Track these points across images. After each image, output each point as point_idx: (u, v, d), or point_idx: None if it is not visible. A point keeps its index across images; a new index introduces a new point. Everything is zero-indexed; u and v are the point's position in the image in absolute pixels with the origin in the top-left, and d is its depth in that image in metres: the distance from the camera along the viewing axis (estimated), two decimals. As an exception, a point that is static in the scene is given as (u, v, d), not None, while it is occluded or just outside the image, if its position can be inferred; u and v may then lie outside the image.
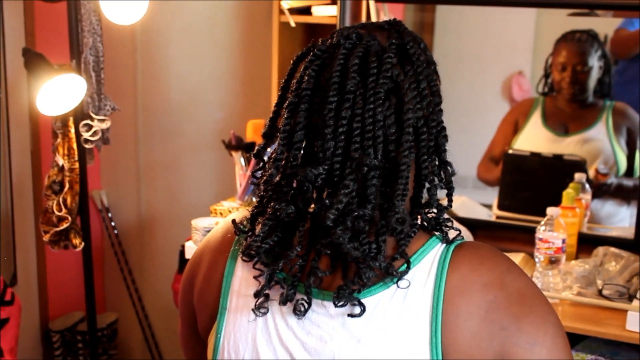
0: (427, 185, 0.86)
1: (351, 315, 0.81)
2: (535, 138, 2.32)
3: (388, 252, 0.83)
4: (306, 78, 0.84)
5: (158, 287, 3.01)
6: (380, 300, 0.82)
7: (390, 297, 0.82)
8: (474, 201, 2.37)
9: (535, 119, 2.35)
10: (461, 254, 0.84)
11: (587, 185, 2.12)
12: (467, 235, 2.10)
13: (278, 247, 0.85)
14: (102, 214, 3.00)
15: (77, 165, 2.15)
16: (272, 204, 0.86)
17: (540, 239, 1.83)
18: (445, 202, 0.89)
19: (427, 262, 0.83)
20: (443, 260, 0.83)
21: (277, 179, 0.85)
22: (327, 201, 0.80)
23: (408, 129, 0.81)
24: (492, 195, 2.45)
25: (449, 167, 0.87)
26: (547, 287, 1.80)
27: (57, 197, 2.14)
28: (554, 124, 2.31)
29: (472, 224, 2.17)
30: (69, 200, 2.14)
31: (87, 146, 2.18)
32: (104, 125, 2.18)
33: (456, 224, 2.04)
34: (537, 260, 1.86)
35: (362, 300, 0.81)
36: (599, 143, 2.23)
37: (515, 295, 0.81)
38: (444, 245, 0.85)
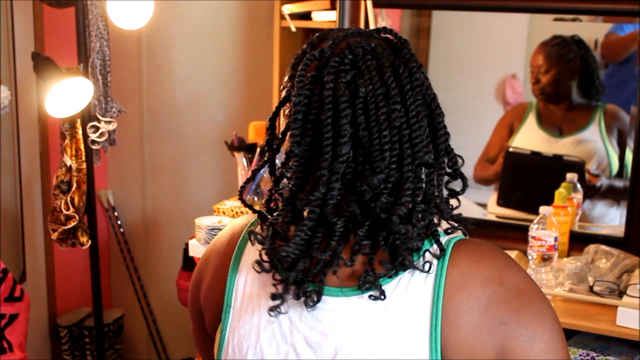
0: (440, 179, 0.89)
1: (372, 297, 0.82)
2: (531, 139, 2.33)
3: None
4: (340, 90, 0.82)
5: (163, 283, 3.01)
6: (381, 291, 0.82)
7: (391, 291, 0.82)
8: (468, 200, 2.37)
9: (531, 121, 2.35)
10: (461, 250, 0.84)
11: (578, 185, 2.12)
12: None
13: (299, 252, 0.84)
14: (108, 213, 3.00)
15: (84, 165, 2.15)
16: (310, 217, 0.83)
17: (533, 237, 1.83)
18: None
19: (428, 257, 0.84)
20: (443, 256, 0.83)
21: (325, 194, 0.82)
22: (391, 199, 0.81)
23: (441, 131, 0.87)
24: (486, 195, 2.45)
25: (459, 158, 0.90)
26: (539, 284, 1.80)
27: (65, 197, 2.14)
28: (549, 125, 2.31)
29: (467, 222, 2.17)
30: (76, 200, 2.14)
31: (94, 147, 2.18)
32: (111, 127, 2.18)
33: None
34: (530, 257, 1.86)
35: (363, 295, 0.82)
36: (593, 144, 2.23)
37: (514, 290, 0.81)
38: (444, 240, 0.86)
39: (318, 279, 0.83)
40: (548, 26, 2.30)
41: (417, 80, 0.84)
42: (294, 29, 2.32)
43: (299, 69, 0.85)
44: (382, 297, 0.81)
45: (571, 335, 1.71)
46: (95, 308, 2.32)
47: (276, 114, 0.90)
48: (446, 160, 0.88)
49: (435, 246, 0.84)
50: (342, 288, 0.84)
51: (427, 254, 0.84)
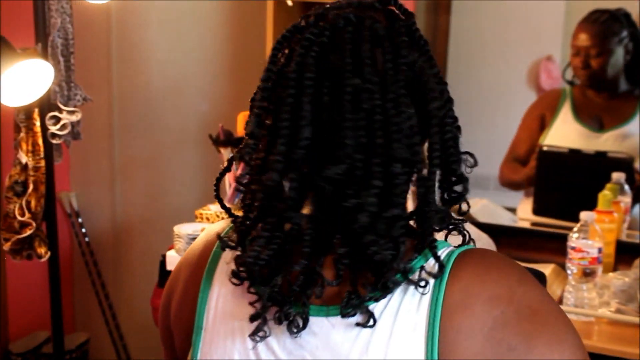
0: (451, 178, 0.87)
1: (360, 325, 0.81)
2: (566, 134, 2.32)
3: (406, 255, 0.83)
4: (307, 65, 0.82)
5: (135, 303, 3.00)
6: (370, 316, 0.81)
7: (380, 312, 0.81)
8: (496, 204, 2.36)
9: (565, 112, 2.34)
10: (464, 262, 0.83)
11: (626, 186, 2.12)
12: (488, 244, 2.09)
13: (273, 261, 0.84)
14: (71, 219, 2.99)
15: (42, 163, 2.14)
16: (270, 212, 0.84)
17: (573, 248, 1.82)
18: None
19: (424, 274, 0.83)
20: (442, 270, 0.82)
21: (276, 183, 0.83)
22: (353, 201, 0.80)
23: (434, 120, 0.82)
24: (516, 198, 2.45)
25: (469, 157, 0.88)
26: (580, 303, 1.80)
27: (20, 200, 2.14)
28: (587, 118, 2.30)
29: (494, 231, 2.16)
30: (33, 204, 2.13)
31: (54, 141, 2.17)
32: (74, 118, 2.17)
33: (473, 230, 2.06)
34: (569, 272, 1.85)
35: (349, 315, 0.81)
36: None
37: (527, 310, 0.80)
38: (447, 250, 0.85)
39: (302, 299, 0.82)
40: (591, -2, 2.30)
41: (403, 58, 0.82)
42: (290, 3, 2.31)
43: (276, 42, 0.87)
44: (371, 323, 0.80)
45: (618, 364, 1.70)
46: (55, 332, 2.31)
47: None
48: (446, 158, 0.85)
49: (432, 261, 0.83)
50: (327, 307, 0.83)
51: (423, 270, 0.82)
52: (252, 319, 0.84)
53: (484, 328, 0.79)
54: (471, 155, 0.88)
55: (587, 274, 1.81)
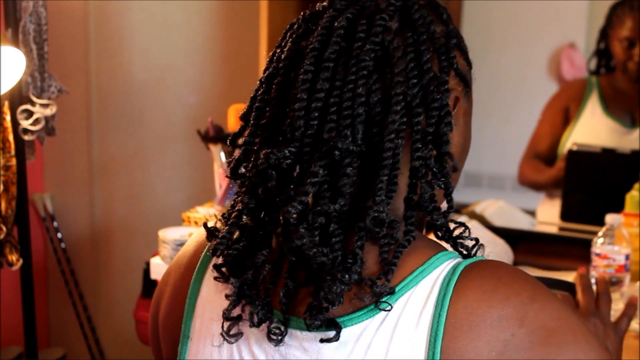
0: (419, 181, 0.84)
1: (324, 341, 0.80)
2: (595, 130, 2.31)
3: (372, 266, 0.82)
4: (287, 45, 0.86)
5: (116, 315, 3.00)
6: (364, 331, 0.81)
7: (376, 328, 0.80)
8: (513, 206, 2.36)
9: (593, 105, 2.34)
10: (471, 277, 0.81)
11: (657, 186, 2.12)
12: (504, 250, 2.09)
13: (249, 255, 0.85)
14: (45, 223, 3.00)
15: (14, 161, 2.15)
16: (239, 198, 0.87)
17: (598, 255, 1.82)
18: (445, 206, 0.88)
19: (427, 285, 0.81)
20: (447, 284, 0.81)
21: (245, 167, 0.87)
22: (291, 192, 0.80)
23: (396, 107, 0.81)
24: (535, 199, 2.45)
25: (449, 160, 0.84)
26: (606, 315, 1.80)
27: (-11, 202, 2.14)
28: (618, 111, 2.30)
29: (511, 236, 2.16)
30: (3, 206, 2.13)
31: (26, 138, 2.17)
32: (48, 112, 2.17)
33: (488, 235, 2.06)
34: (593, 280, 1.85)
35: (344, 330, 0.81)
36: None
37: (541, 331, 0.79)
38: (454, 262, 0.83)
39: (281, 305, 0.83)
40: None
41: (375, 36, 0.82)
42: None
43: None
44: (334, 337, 0.80)
45: (647, 381, 1.70)
46: (29, 347, 2.32)
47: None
48: (413, 151, 0.83)
49: (428, 280, 0.81)
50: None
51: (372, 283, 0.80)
52: (225, 316, 0.85)
53: (492, 353, 0.78)
54: (451, 157, 0.85)
55: (614, 282, 1.81)
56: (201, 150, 2.34)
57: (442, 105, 0.83)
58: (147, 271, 2.52)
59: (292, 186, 0.81)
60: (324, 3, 0.88)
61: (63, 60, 2.72)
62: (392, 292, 0.80)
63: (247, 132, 0.87)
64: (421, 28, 0.84)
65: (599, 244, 1.83)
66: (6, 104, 2.13)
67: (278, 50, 0.88)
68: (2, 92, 2.07)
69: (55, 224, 2.99)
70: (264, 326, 0.83)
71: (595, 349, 0.80)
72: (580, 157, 2.27)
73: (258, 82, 0.90)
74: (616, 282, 1.81)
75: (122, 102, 2.91)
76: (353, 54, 0.81)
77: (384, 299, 0.80)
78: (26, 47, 2.12)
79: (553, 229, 2.32)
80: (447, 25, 0.87)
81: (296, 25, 0.88)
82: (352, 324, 0.81)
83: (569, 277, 1.99)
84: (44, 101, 2.17)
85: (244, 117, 0.90)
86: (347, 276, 0.79)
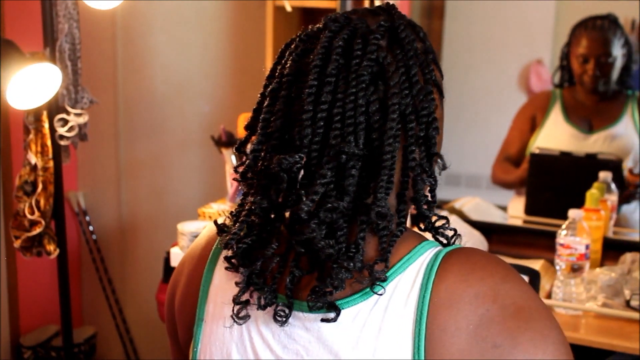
0: (412, 179, 0.85)
1: (325, 321, 0.81)
2: (557, 135, 2.32)
3: (370, 254, 0.83)
4: (289, 63, 0.87)
5: (141, 298, 3.01)
6: (359, 312, 0.82)
7: (370, 309, 0.82)
8: (488, 203, 2.37)
9: (556, 114, 2.34)
10: (451, 262, 0.83)
11: (613, 185, 2.12)
12: (480, 241, 2.10)
13: (257, 248, 0.86)
14: (78, 218, 3.00)
15: (51, 163, 2.15)
16: (249, 198, 0.87)
17: (562, 245, 1.82)
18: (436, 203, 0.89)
19: (413, 270, 0.83)
20: (430, 269, 0.82)
21: (254, 171, 0.87)
22: (302, 192, 0.81)
23: (393, 115, 0.82)
24: (507, 196, 2.45)
25: (439, 160, 0.86)
26: (569, 297, 1.80)
27: (30, 199, 2.14)
28: (577, 119, 2.31)
29: (486, 228, 2.17)
30: (42, 203, 2.14)
31: (62, 143, 2.17)
32: (81, 120, 2.17)
33: (466, 228, 2.06)
34: (558, 267, 1.85)
35: (342, 312, 0.82)
36: (627, 139, 2.23)
37: (511, 308, 0.80)
38: (435, 250, 0.85)
39: (281, 288, 0.84)
40: (578, 3, 2.30)
41: (370, 53, 0.82)
42: (289, 9, 2.31)
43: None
44: (334, 318, 0.81)
45: (605, 355, 1.71)
46: (64, 326, 2.32)
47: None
48: (405, 156, 0.84)
49: (414, 267, 0.82)
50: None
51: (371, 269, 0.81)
52: (235, 301, 0.85)
53: (469, 326, 0.79)
54: (440, 157, 0.86)
55: (575, 269, 1.82)
56: (215, 153, 2.34)
57: (429, 112, 0.85)
58: (167, 259, 2.52)
59: (299, 187, 0.82)
60: (319, 25, 0.89)
61: (94, 75, 2.72)
62: (385, 278, 0.81)
63: (255, 141, 0.87)
64: (407, 45, 0.85)
65: (562, 236, 1.83)
66: (45, 113, 2.13)
67: (279, 67, 0.89)
68: (41, 104, 2.08)
69: (87, 218, 3.00)
70: (270, 309, 0.84)
71: (555, 327, 0.82)
72: (541, 160, 2.28)
73: (260, 96, 0.90)
74: (578, 269, 1.82)
75: (145, 112, 2.91)
76: (352, 70, 0.82)
77: (377, 284, 0.81)
78: (62, 64, 2.13)
79: (520, 222, 2.33)
80: (425, 42, 0.89)
81: (294, 45, 0.88)
82: (349, 306, 0.82)
83: (536, 264, 2.00)
84: (78, 111, 2.17)
85: (249, 127, 0.91)
86: (351, 264, 0.80)
